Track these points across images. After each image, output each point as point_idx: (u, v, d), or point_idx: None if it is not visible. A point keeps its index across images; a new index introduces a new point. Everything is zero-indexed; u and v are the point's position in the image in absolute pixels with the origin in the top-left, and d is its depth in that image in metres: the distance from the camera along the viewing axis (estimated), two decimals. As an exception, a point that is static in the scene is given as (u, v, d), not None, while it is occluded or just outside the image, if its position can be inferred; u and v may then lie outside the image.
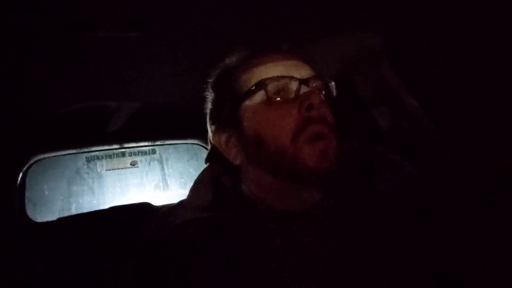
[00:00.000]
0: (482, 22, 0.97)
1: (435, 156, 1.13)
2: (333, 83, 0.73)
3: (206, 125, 0.80)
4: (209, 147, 0.81)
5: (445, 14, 0.99)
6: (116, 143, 1.76)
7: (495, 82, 0.96)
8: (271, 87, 0.67)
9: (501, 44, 0.93)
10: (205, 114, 0.80)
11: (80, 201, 2.03)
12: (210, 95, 0.78)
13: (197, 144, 1.94)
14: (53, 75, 1.08)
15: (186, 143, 2.02)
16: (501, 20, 0.92)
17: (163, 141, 1.91)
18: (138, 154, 2.12)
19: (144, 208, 1.49)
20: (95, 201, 2.06)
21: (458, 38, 1.03)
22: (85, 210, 1.73)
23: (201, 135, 1.85)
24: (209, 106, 0.78)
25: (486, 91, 0.99)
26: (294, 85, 0.67)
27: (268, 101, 0.67)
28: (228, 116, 0.72)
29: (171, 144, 2.02)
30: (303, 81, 0.68)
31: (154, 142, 1.89)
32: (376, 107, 1.30)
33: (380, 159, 0.76)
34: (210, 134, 0.78)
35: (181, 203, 0.75)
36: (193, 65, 1.11)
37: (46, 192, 1.94)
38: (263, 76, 0.68)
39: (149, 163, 2.16)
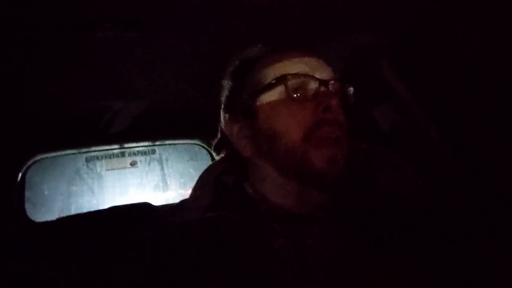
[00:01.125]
0: (482, 22, 0.97)
1: (435, 156, 1.13)
2: (351, 88, 0.74)
3: (219, 113, 0.79)
4: (218, 137, 0.80)
5: (445, 14, 0.99)
6: (115, 143, 1.76)
7: (495, 82, 0.96)
8: (291, 83, 0.67)
9: (502, 44, 0.93)
10: (220, 102, 0.80)
11: (80, 201, 2.03)
12: (227, 83, 0.78)
13: (197, 144, 1.94)
14: (52, 75, 1.08)
15: (186, 143, 2.01)
16: (502, 20, 0.92)
17: (163, 141, 1.91)
18: (138, 154, 2.12)
19: (144, 208, 1.48)
20: (94, 201, 2.06)
21: (458, 38, 1.03)
22: (85, 210, 1.73)
23: (201, 135, 1.85)
24: (225, 93, 0.78)
25: (486, 91, 0.99)
26: (313, 85, 0.68)
27: (287, 97, 0.67)
28: (243, 106, 0.72)
29: (171, 144, 2.01)
30: (323, 82, 0.68)
31: (154, 142, 1.88)
32: (376, 107, 1.30)
33: (380, 159, 0.76)
34: (222, 122, 0.78)
35: (183, 202, 0.75)
36: (193, 65, 1.11)
37: (46, 192, 1.94)
38: (285, 72, 0.68)
39: (149, 163, 2.15)
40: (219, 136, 0.80)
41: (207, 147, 1.90)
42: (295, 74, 0.68)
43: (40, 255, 1.31)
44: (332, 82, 0.69)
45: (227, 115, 0.76)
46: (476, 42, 0.99)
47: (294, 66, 0.69)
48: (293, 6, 0.87)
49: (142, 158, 2.13)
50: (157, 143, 1.90)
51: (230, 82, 0.77)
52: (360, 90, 1.31)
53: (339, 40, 1.09)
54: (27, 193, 1.67)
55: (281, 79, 0.68)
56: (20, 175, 1.59)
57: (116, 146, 1.79)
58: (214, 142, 0.82)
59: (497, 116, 0.97)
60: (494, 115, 0.98)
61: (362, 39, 1.11)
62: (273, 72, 0.70)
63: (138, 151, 2.10)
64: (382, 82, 1.22)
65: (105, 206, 1.56)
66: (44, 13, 0.76)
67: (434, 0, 0.94)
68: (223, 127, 0.77)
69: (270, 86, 0.69)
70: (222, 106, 0.79)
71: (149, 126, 1.68)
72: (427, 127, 1.14)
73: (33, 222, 1.67)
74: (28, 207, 1.68)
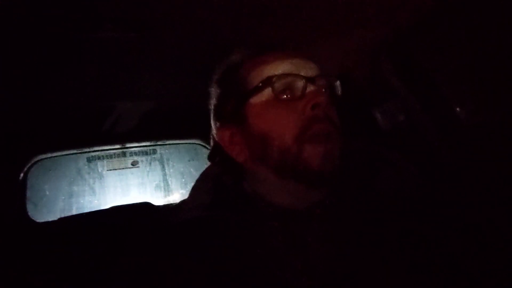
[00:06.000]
0: (481, 21, 0.97)
1: (434, 155, 1.13)
2: (338, 82, 0.73)
3: (210, 121, 0.79)
4: (211, 145, 0.80)
5: (445, 14, 0.99)
6: (117, 143, 1.77)
7: (495, 81, 0.96)
8: (277, 84, 0.67)
9: (501, 43, 0.93)
10: (209, 110, 0.79)
11: (81, 201, 2.03)
12: (214, 91, 0.77)
13: (198, 144, 1.94)
14: (53, 75, 1.08)
15: (187, 143, 2.02)
16: (501, 19, 0.92)
17: (164, 141, 1.91)
18: (139, 154, 2.12)
19: (145, 208, 1.49)
20: (96, 201, 2.06)
21: (458, 37, 1.03)
22: (86, 210, 1.74)
23: (202, 135, 1.85)
24: (213, 102, 0.77)
25: (485, 90, 0.99)
26: (300, 83, 0.67)
27: (275, 98, 0.67)
28: (233, 112, 0.72)
29: (172, 144, 2.02)
30: (309, 80, 0.68)
31: (155, 142, 1.89)
32: (376, 106, 1.30)
33: (381, 158, 0.76)
34: (213, 130, 0.78)
35: (183, 202, 0.75)
36: (194, 65, 1.11)
37: (47, 192, 1.94)
38: (270, 73, 0.68)
39: (150, 163, 2.15)
40: (212, 145, 0.79)
41: (208, 147, 1.90)
42: (280, 74, 0.67)
43: (41, 255, 1.31)
44: (318, 78, 0.69)
45: (217, 123, 0.76)
46: (476, 41, 0.99)
47: (279, 66, 0.69)
48: (292, 6, 0.87)
49: (143, 158, 2.13)
50: (158, 143, 1.91)
51: (217, 90, 0.76)
52: (360, 89, 1.32)
53: (339, 39, 1.10)
54: (28, 193, 1.67)
55: (267, 81, 0.67)
56: (21, 175, 1.60)
57: (117, 146, 1.80)
58: (208, 152, 0.81)
59: (495, 115, 0.97)
60: (494, 114, 0.98)
61: (362, 38, 1.11)
62: (258, 75, 0.69)
63: (139, 151, 2.10)
64: (381, 81, 1.22)
65: (107, 206, 1.56)
66: (45, 14, 0.76)
67: (434, 0, 0.94)
68: (214, 135, 0.77)
69: (257, 90, 0.68)
70: (212, 115, 0.78)
71: (150, 126, 1.68)
72: (427, 125, 1.14)
73: (34, 222, 1.68)
74: (29, 207, 1.68)
